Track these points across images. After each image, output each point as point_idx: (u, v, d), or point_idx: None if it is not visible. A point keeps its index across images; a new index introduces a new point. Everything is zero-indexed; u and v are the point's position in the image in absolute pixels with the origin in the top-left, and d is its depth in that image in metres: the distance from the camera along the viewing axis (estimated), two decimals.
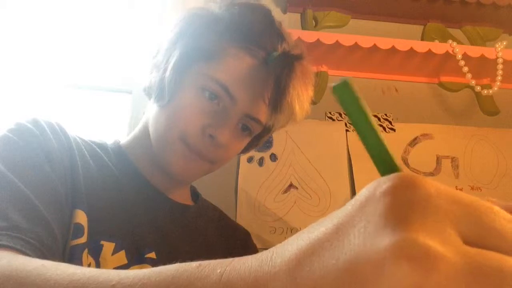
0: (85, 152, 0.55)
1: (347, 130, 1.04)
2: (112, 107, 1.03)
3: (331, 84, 0.20)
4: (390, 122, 1.07)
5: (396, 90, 1.11)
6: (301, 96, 0.56)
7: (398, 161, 0.19)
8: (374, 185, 0.17)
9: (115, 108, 1.03)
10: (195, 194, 0.70)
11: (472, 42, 1.14)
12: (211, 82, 0.54)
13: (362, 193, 0.18)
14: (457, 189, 1.02)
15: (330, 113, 1.06)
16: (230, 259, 0.21)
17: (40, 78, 0.99)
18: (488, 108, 1.10)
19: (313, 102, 1.05)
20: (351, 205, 0.18)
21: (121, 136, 0.95)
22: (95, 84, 1.02)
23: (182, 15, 0.58)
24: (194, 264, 0.21)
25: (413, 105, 1.10)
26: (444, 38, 1.11)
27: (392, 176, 0.17)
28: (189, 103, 0.54)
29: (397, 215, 0.16)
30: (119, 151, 0.61)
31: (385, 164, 0.19)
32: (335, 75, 1.08)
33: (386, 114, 1.08)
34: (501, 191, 1.03)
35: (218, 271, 0.20)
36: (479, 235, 0.16)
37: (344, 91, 0.20)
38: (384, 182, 0.17)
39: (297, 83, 0.54)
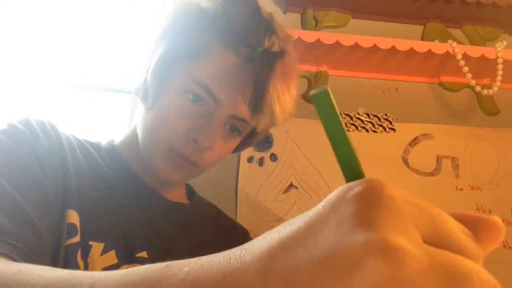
0: (78, 150, 0.54)
1: (347, 130, 1.03)
2: (112, 107, 1.03)
3: (312, 91, 0.21)
4: (390, 122, 1.07)
5: (396, 90, 1.11)
6: (281, 97, 0.54)
7: (363, 169, 0.21)
8: (344, 189, 0.19)
9: (115, 108, 1.03)
10: (191, 192, 0.70)
11: (472, 42, 1.14)
12: (194, 84, 0.52)
13: (333, 195, 0.19)
14: (457, 189, 1.02)
15: None
16: (198, 258, 0.20)
17: (40, 78, 0.99)
18: (488, 108, 1.10)
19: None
20: (322, 206, 0.19)
21: (118, 136, 0.95)
22: (95, 84, 1.02)
23: (168, 11, 0.56)
24: (163, 264, 0.21)
25: (413, 105, 1.10)
26: (444, 38, 1.11)
27: (362, 181, 0.19)
28: (172, 106, 0.53)
29: (368, 215, 0.17)
30: (112, 150, 0.60)
31: (352, 171, 0.20)
32: (335, 75, 1.08)
33: (386, 114, 1.07)
34: (501, 191, 1.03)
35: (186, 269, 0.20)
36: (434, 237, 0.18)
37: (323, 99, 0.21)
38: (355, 186, 0.18)
39: (277, 83, 0.52)
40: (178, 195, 0.64)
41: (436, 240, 0.18)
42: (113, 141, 0.63)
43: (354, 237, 0.17)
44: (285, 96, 0.55)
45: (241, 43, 0.52)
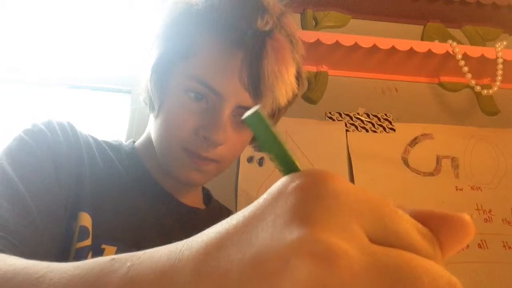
0: (96, 153, 0.54)
1: (347, 130, 1.03)
2: (111, 107, 1.03)
3: (244, 115, 0.20)
4: (390, 122, 1.07)
5: (396, 90, 1.12)
6: (279, 76, 0.50)
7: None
8: (287, 180, 0.17)
9: (114, 108, 1.03)
10: (207, 197, 0.69)
11: (472, 42, 1.14)
12: (192, 81, 0.51)
13: (275, 187, 0.18)
14: (457, 189, 1.02)
15: (330, 113, 1.06)
16: (143, 251, 0.20)
17: (40, 78, 0.99)
18: (488, 108, 1.10)
19: (313, 102, 1.06)
20: (263, 199, 0.18)
21: (121, 135, 0.95)
22: (95, 84, 1.02)
23: (161, 13, 0.55)
24: (109, 257, 0.20)
25: (413, 105, 1.10)
26: (444, 38, 1.11)
27: (305, 172, 0.17)
28: (177, 109, 0.52)
29: (305, 211, 0.16)
30: (132, 153, 0.60)
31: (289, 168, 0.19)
32: (335, 75, 1.08)
33: (386, 114, 1.07)
34: (501, 191, 1.03)
35: (128, 264, 0.19)
36: (383, 235, 0.16)
37: (256, 120, 0.20)
38: (297, 178, 0.17)
39: (271, 62, 0.49)
40: (194, 200, 0.63)
41: (385, 239, 0.16)
42: (134, 142, 0.63)
43: (285, 235, 0.15)
44: (283, 74, 0.51)
45: (229, 29, 0.49)
